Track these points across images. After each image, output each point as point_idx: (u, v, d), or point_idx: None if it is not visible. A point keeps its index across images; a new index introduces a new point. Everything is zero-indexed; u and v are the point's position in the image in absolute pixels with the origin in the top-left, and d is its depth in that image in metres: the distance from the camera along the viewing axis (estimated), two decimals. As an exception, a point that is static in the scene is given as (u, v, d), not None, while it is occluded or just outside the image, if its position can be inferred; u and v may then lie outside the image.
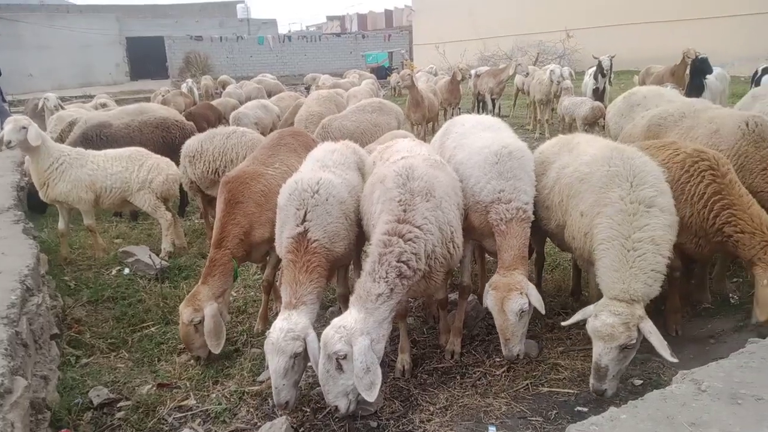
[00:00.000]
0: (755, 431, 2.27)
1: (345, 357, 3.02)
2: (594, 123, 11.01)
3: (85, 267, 6.10)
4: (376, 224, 3.40)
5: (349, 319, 3.09)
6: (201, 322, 3.99)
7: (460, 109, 15.82)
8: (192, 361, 4.19)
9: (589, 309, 3.26)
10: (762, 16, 22.35)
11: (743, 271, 4.91)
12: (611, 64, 12.86)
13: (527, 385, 3.67)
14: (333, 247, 3.69)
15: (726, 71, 12.47)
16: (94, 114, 9.71)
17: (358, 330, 3.03)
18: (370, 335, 3.06)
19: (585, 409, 3.33)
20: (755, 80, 12.70)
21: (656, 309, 4.48)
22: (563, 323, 3.54)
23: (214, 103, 14.02)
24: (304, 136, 5.52)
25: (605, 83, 12.86)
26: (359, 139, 6.86)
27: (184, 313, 4.01)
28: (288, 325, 3.28)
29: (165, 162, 6.26)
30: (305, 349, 3.26)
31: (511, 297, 3.40)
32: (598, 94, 12.50)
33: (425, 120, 11.70)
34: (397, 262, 3.16)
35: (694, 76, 10.57)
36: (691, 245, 3.89)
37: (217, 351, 3.99)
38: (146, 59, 41.70)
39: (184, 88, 18.11)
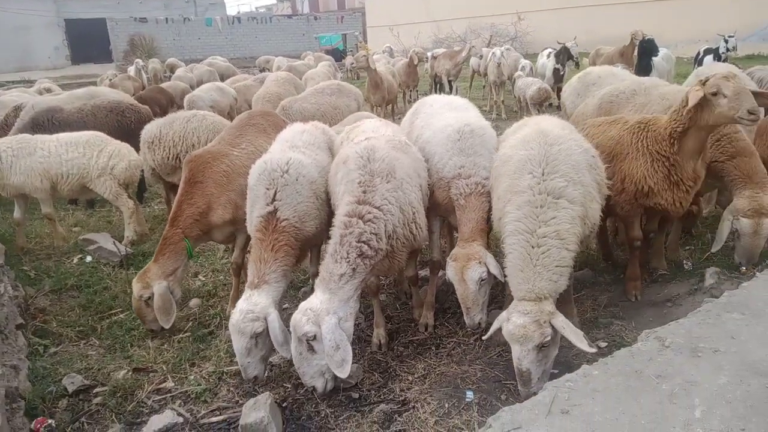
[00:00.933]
0: (713, 379, 2.48)
1: (315, 338, 3.11)
2: (541, 103, 11.47)
3: (44, 256, 5.90)
4: (339, 205, 3.46)
5: (315, 300, 3.17)
6: (150, 298, 4.11)
7: (417, 90, 15.93)
8: (166, 344, 4.16)
9: (502, 315, 3.19)
10: (704, -1, 23.36)
11: (694, 239, 5.24)
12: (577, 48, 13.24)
13: (500, 351, 3.83)
14: (303, 227, 3.72)
15: (671, 52, 13.00)
16: (41, 99, 9.27)
17: (325, 310, 3.11)
18: (337, 314, 3.15)
19: (556, 371, 3.50)
20: (698, 61, 13.35)
21: (616, 277, 4.77)
22: (483, 338, 3.59)
23: (163, 86, 13.60)
24: (274, 117, 5.47)
25: (568, 67, 13.18)
26: (320, 121, 6.86)
27: (135, 288, 4.15)
28: (248, 306, 3.36)
29: (126, 147, 6.07)
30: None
31: (470, 266, 3.49)
32: (558, 76, 12.80)
33: (385, 102, 11.72)
34: (358, 242, 3.22)
35: (641, 56, 10.99)
36: (667, 201, 4.07)
37: (167, 326, 4.14)
38: (88, 42, 39.78)
39: (131, 71, 17.46)
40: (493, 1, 31.33)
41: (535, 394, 3.04)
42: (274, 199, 3.62)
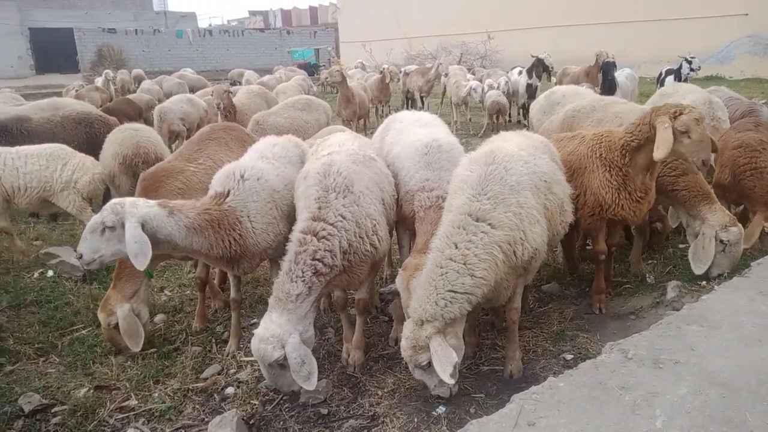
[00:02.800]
0: (674, 389, 2.54)
1: (284, 357, 3.12)
2: (496, 114, 12.37)
3: (2, 271, 5.69)
4: (298, 221, 3.47)
5: (274, 326, 3.14)
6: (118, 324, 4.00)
7: (390, 106, 16.07)
8: (129, 361, 4.05)
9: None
10: (667, 22, 24.28)
11: (657, 253, 5.38)
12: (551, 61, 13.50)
13: (469, 365, 3.85)
14: (249, 225, 3.67)
15: (635, 72, 13.43)
16: (5, 108, 9.02)
17: (287, 332, 3.12)
18: (297, 330, 3.17)
19: (523, 384, 3.54)
20: (660, 81, 13.85)
21: (582, 290, 4.86)
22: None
23: (131, 97, 13.42)
24: (237, 131, 5.38)
25: (543, 80, 13.42)
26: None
27: (101, 318, 4.05)
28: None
29: (90, 161, 5.92)
30: None
31: (417, 276, 3.41)
32: (531, 91, 12.99)
33: (356, 116, 11.78)
34: (312, 260, 3.21)
35: (604, 76, 11.33)
36: (624, 209, 4.19)
37: (136, 349, 4.01)
38: (53, 52, 38.93)
39: (99, 81, 17.15)
40: (463, 20, 31.96)
41: (452, 393, 3.19)
42: (227, 192, 3.63)
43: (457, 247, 3.09)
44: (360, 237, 3.47)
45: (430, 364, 2.99)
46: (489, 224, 3.15)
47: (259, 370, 3.86)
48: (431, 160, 3.96)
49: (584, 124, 5.35)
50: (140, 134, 6.15)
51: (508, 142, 3.82)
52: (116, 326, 3.99)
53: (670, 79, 13.25)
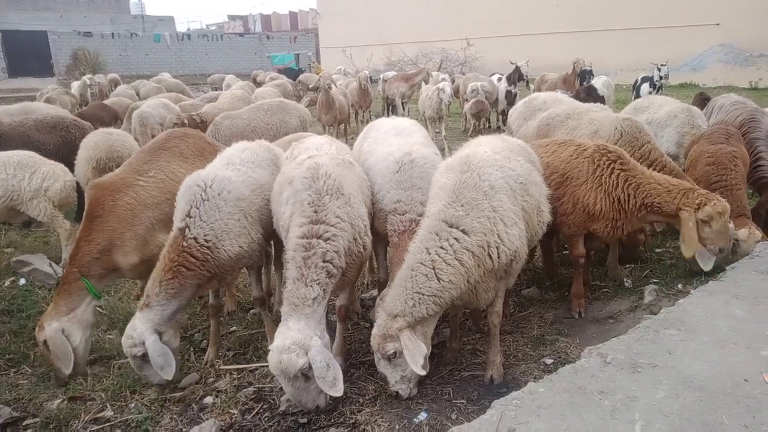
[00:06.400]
0: (652, 393, 2.57)
1: (309, 367, 3.03)
2: (477, 116, 12.69)
3: (-29, 279, 5.53)
4: (289, 227, 3.40)
5: (293, 333, 3.05)
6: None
7: (371, 111, 16.09)
8: (106, 371, 3.96)
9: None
10: (642, 30, 24.80)
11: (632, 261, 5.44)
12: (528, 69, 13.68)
13: (450, 370, 3.85)
14: (220, 245, 3.59)
15: (611, 79, 13.67)
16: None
17: (308, 336, 3.04)
18: (317, 334, 3.10)
19: (504, 390, 3.55)
20: (635, 88, 14.11)
21: (562, 294, 4.90)
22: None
23: (106, 102, 13.22)
24: (195, 138, 5.01)
25: (521, 87, 13.62)
26: (248, 138, 6.75)
27: (36, 334, 3.83)
28: (128, 330, 3.41)
29: (61, 168, 5.75)
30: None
31: None
32: (511, 97, 13.17)
33: (337, 121, 11.78)
34: (323, 262, 3.20)
35: (581, 84, 11.51)
36: (608, 229, 4.29)
37: (66, 372, 3.74)
38: (27, 55, 38.11)
39: (75, 86, 16.85)
40: (443, 27, 32.22)
41: (396, 393, 3.31)
42: (188, 215, 3.54)
43: (428, 252, 3.19)
44: (354, 238, 3.48)
45: (395, 354, 3.13)
46: (462, 230, 3.24)
47: (238, 378, 3.83)
48: (403, 178, 3.92)
49: (560, 130, 5.43)
50: (114, 138, 6.02)
51: (483, 146, 3.87)
52: (45, 343, 3.75)
53: (645, 86, 13.52)
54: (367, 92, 14.50)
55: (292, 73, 30.36)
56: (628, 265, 5.29)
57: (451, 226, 3.25)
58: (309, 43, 42.03)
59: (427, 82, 15.24)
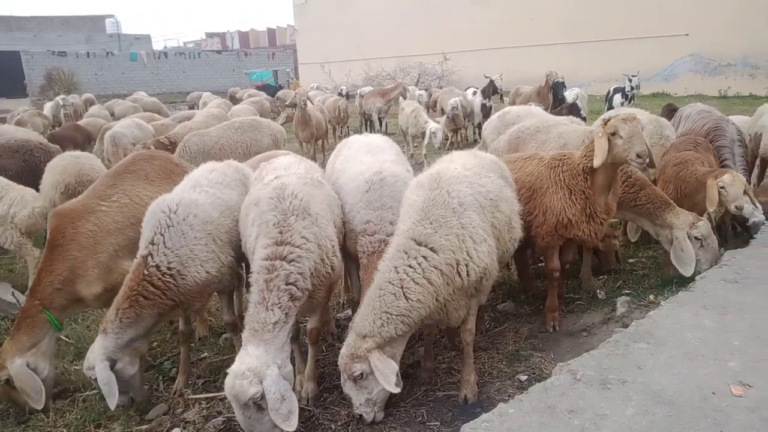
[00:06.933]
0: (622, 410, 2.54)
1: (262, 396, 2.92)
2: (455, 131, 12.76)
3: (-69, 310, 5.34)
4: (255, 249, 3.33)
5: (250, 359, 2.95)
6: (10, 379, 3.64)
7: (348, 127, 16.11)
8: (70, 404, 3.83)
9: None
10: (614, 42, 25.26)
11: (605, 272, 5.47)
12: (502, 82, 13.83)
13: (425, 391, 3.79)
14: (186, 272, 3.50)
15: (584, 91, 13.87)
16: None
17: (264, 364, 2.93)
18: (276, 363, 2.99)
19: (479, 409, 3.50)
20: (608, 99, 14.33)
21: (536, 308, 4.89)
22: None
23: (80, 123, 13.04)
24: (162, 160, 4.87)
25: (495, 100, 13.76)
26: (217, 156, 6.75)
27: None
28: (88, 353, 3.41)
29: (30, 193, 5.59)
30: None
31: None
32: (486, 110, 13.30)
33: (314, 138, 11.74)
34: (286, 284, 3.11)
35: (554, 96, 11.66)
36: (584, 232, 4.27)
37: (39, 406, 3.64)
38: (-1, 76, 37.71)
39: (48, 107, 16.60)
40: (420, 42, 32.54)
41: (360, 416, 3.25)
42: (151, 242, 3.46)
43: (396, 271, 3.16)
44: (321, 259, 3.41)
45: (362, 376, 3.07)
46: (430, 248, 3.21)
47: (207, 408, 3.72)
48: (372, 198, 3.89)
49: (530, 144, 5.47)
50: (83, 162, 5.90)
51: (454, 163, 3.85)
52: (7, 381, 3.62)
53: (617, 96, 13.73)
54: (346, 114, 14.56)
55: (271, 90, 30.33)
56: (601, 277, 5.31)
57: (419, 244, 3.22)
58: (287, 59, 42.14)
59: (404, 97, 15.32)
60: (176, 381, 4.05)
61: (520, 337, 4.46)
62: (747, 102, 17.20)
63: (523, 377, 3.83)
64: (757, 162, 6.82)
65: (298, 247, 3.24)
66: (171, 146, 7.57)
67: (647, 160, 3.91)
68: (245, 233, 3.65)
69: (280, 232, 3.26)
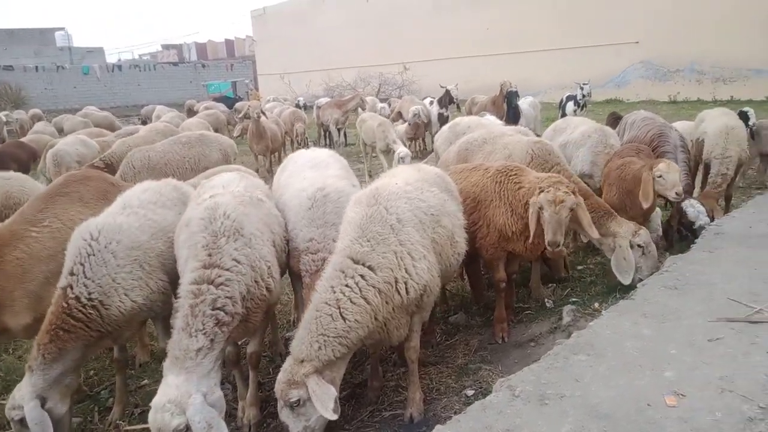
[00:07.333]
0: (557, 428, 2.51)
1: (187, 428, 2.77)
2: (412, 140, 12.87)
3: None
4: (184, 273, 3.20)
5: (170, 390, 2.80)
6: None
7: (308, 138, 15.97)
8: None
9: None
10: (568, 50, 25.94)
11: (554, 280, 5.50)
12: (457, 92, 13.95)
13: (371, 411, 3.71)
14: (110, 302, 3.32)
15: (537, 99, 14.12)
16: None
17: (185, 393, 2.78)
18: (200, 391, 2.84)
19: (424, 428, 3.44)
20: (561, 106, 14.62)
21: (487, 319, 4.87)
22: None
23: (24, 140, 12.52)
24: (98, 181, 4.64)
25: (452, 110, 13.88)
26: (162, 171, 6.64)
27: None
28: (13, 392, 3.18)
29: None
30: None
31: None
32: (444, 120, 13.38)
33: (269, 150, 11.58)
34: (212, 309, 2.98)
35: (508, 105, 11.82)
36: (524, 247, 4.25)
37: None
38: (-59, 92, 36.10)
39: (-9, 124, 15.94)
40: (380, 52, 32.73)
41: None
42: (71, 273, 3.26)
43: (333, 291, 3.06)
44: (255, 281, 3.29)
45: (299, 403, 2.91)
46: (368, 266, 3.12)
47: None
48: (315, 215, 3.81)
49: (477, 155, 5.51)
50: (12, 183, 5.58)
51: (395, 178, 3.80)
52: None
53: (570, 104, 14.03)
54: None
55: (229, 102, 29.96)
56: (550, 285, 5.34)
57: (356, 263, 3.14)
58: (246, 70, 41.73)
59: (363, 108, 15.30)
60: (112, 411, 3.87)
61: (470, 349, 4.42)
62: (695, 107, 17.80)
63: (470, 392, 3.78)
64: (700, 168, 7.01)
65: (227, 270, 3.11)
66: (107, 168, 7.27)
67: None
68: (178, 255, 3.50)
69: (209, 255, 3.13)
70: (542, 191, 3.88)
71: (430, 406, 3.68)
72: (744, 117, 7.82)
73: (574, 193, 3.92)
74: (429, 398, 3.77)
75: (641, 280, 4.44)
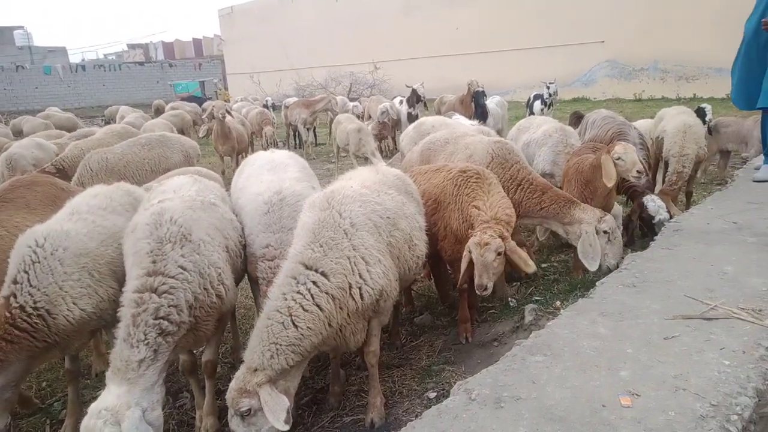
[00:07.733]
0: (512, 431, 2.49)
1: None
2: (379, 140, 12.60)
3: None
4: (128, 280, 3.11)
5: (109, 398, 2.71)
6: None
7: (276, 139, 15.79)
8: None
9: None
10: (536, 50, 26.28)
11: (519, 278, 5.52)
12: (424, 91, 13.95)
13: (332, 417, 3.65)
14: (57, 311, 3.20)
15: (505, 99, 14.23)
16: None
17: (124, 404, 2.68)
18: (140, 405, 2.74)
19: (384, 433, 3.40)
20: (529, 105, 14.77)
21: (453, 319, 4.85)
22: None
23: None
24: (46, 186, 4.52)
25: (420, 108, 13.87)
26: (121, 174, 6.61)
27: None
28: None
29: None
30: None
31: None
32: (412, 119, 13.35)
33: (235, 151, 11.40)
34: (155, 319, 2.88)
35: (476, 104, 11.88)
36: None
37: None
38: None
39: (-56, 126, 15.31)
40: (350, 51, 32.62)
41: None
42: (14, 281, 3.14)
43: (285, 298, 2.98)
44: (205, 288, 3.19)
45: (250, 412, 2.82)
46: (321, 272, 3.06)
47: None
48: (272, 220, 3.72)
49: (440, 155, 5.50)
50: None
51: (352, 181, 3.75)
52: None
53: (537, 103, 14.20)
54: (267, 119, 14.24)
55: (197, 102, 29.49)
56: (515, 283, 5.36)
57: (309, 269, 3.07)
58: (215, 69, 41.11)
59: (333, 112, 15.17)
60: (63, 425, 3.72)
61: (434, 350, 4.41)
62: (659, 104, 18.18)
63: (432, 394, 3.76)
64: (661, 164, 7.14)
65: (172, 277, 3.01)
66: (58, 173, 7.03)
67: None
68: (125, 263, 3.37)
69: (153, 262, 3.03)
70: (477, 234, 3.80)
71: (392, 410, 3.64)
72: (701, 113, 8.00)
73: (502, 237, 3.78)
74: (391, 402, 3.73)
75: (609, 268, 4.49)
